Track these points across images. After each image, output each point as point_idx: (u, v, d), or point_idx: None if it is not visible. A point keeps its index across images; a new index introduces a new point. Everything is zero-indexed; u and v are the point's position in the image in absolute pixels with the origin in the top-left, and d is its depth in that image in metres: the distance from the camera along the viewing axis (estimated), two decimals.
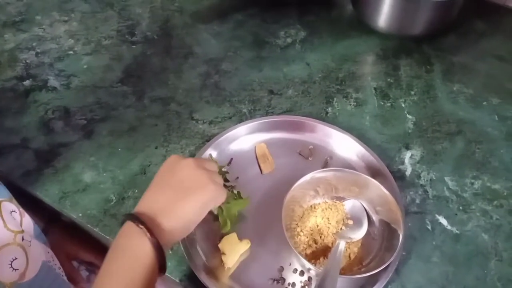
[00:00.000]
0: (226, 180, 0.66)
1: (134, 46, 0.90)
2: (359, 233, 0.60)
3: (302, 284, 0.58)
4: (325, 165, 0.69)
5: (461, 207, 0.66)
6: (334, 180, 0.63)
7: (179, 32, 0.94)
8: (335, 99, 0.80)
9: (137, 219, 0.47)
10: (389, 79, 0.83)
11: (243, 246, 0.60)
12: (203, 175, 0.52)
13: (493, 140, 0.74)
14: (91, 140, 0.74)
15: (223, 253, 0.59)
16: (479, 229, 0.63)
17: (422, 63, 0.86)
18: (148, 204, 0.51)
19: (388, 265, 0.55)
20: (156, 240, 0.46)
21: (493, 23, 0.95)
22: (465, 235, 0.63)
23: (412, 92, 0.81)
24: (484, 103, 0.79)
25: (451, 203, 0.66)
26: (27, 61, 0.87)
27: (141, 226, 0.46)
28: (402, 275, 0.59)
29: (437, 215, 0.65)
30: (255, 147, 0.71)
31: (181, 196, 0.50)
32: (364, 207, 0.63)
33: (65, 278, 0.65)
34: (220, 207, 0.59)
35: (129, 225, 0.48)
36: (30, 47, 0.90)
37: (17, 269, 0.54)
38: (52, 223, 0.78)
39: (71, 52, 0.89)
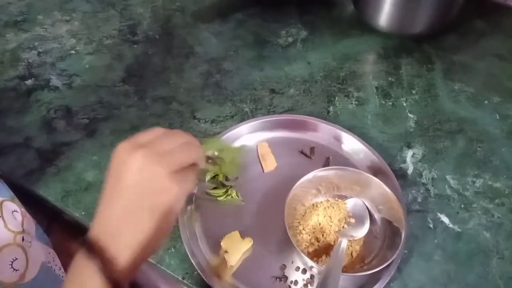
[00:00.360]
0: (227, 179, 0.66)
1: (135, 46, 0.90)
2: (361, 232, 0.60)
3: (305, 282, 0.58)
4: (327, 163, 0.69)
5: (462, 206, 0.66)
6: (336, 179, 0.63)
7: (181, 32, 0.94)
8: (336, 98, 0.80)
9: (90, 246, 0.39)
10: (390, 78, 0.84)
11: (246, 244, 0.60)
12: (158, 173, 0.39)
13: (494, 138, 0.74)
14: (93, 139, 0.74)
15: (226, 251, 0.59)
16: (480, 227, 0.64)
17: (423, 62, 0.86)
18: (100, 223, 0.41)
19: (390, 263, 0.55)
20: (109, 276, 0.38)
21: (494, 22, 0.95)
22: (467, 233, 0.63)
23: (413, 91, 0.81)
24: (485, 102, 0.80)
25: (453, 202, 0.66)
26: (29, 60, 0.87)
27: (93, 258, 0.38)
28: (404, 274, 0.59)
29: (438, 214, 0.65)
30: (257, 146, 0.71)
31: (133, 210, 0.39)
32: (366, 206, 0.63)
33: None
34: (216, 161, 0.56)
35: (82, 254, 0.39)
36: (32, 47, 0.90)
37: (18, 270, 0.54)
38: (55, 223, 0.78)
39: (73, 51, 0.90)
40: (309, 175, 0.60)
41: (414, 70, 0.85)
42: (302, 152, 0.71)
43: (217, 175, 0.66)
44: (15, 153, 0.72)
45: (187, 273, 0.59)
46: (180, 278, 0.59)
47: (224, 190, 0.64)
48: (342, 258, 0.55)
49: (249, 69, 0.86)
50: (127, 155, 0.40)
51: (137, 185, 0.39)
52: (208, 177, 0.66)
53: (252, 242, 0.60)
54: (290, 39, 0.92)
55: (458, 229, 0.63)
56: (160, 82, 0.83)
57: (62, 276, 0.64)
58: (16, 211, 0.60)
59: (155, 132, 0.44)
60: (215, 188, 0.66)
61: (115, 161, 0.41)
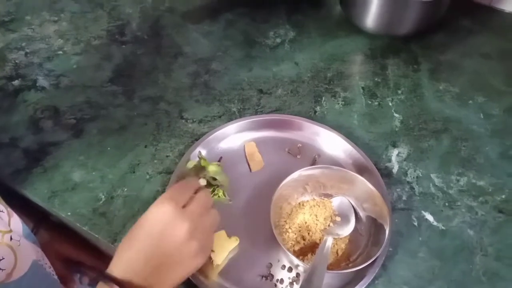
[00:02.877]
0: (214, 178, 0.66)
1: (124, 46, 0.90)
2: (347, 230, 0.61)
3: (290, 280, 0.58)
4: (314, 162, 0.70)
5: (447, 204, 0.67)
6: (322, 178, 0.63)
7: (169, 32, 0.94)
8: (323, 98, 0.81)
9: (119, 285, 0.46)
10: (376, 79, 0.84)
11: (232, 243, 0.60)
12: (193, 248, 0.49)
13: (479, 137, 0.75)
14: (81, 139, 0.74)
15: (212, 250, 0.59)
16: (464, 225, 0.64)
17: (409, 63, 0.87)
18: (127, 266, 0.48)
19: (375, 260, 0.56)
20: None
21: (479, 22, 0.97)
22: (451, 230, 0.64)
23: (399, 91, 0.82)
24: (470, 101, 0.81)
25: (437, 200, 0.67)
26: (16, 61, 0.87)
27: None
28: (389, 271, 0.59)
29: (423, 212, 0.66)
30: (244, 145, 0.72)
31: (165, 270, 0.48)
32: (351, 204, 0.63)
33: (55, 277, 0.65)
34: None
35: None
36: (19, 47, 0.90)
37: (4, 269, 0.54)
38: (42, 223, 0.78)
39: (61, 52, 0.89)
40: (295, 174, 0.61)
41: (401, 70, 0.86)
42: (289, 152, 0.71)
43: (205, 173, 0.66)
44: (2, 153, 0.71)
45: None
46: None
47: (211, 189, 0.65)
48: (327, 256, 0.56)
49: (237, 69, 0.86)
50: (176, 220, 0.49)
51: (177, 253, 0.48)
52: (202, 180, 0.66)
53: (238, 241, 0.61)
54: (278, 40, 0.93)
55: (443, 227, 0.64)
56: (149, 82, 0.83)
57: (53, 274, 0.64)
58: (2, 211, 0.59)
59: (189, 190, 0.53)
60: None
61: (163, 217, 0.49)
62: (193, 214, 0.50)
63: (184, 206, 0.50)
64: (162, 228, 0.48)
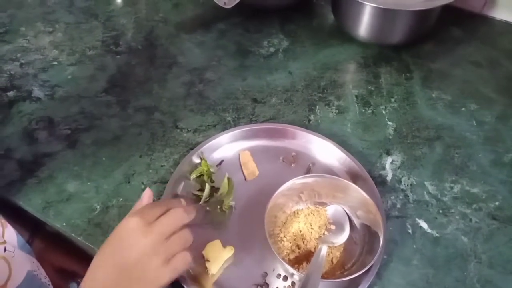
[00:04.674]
0: (211, 181, 0.67)
1: (118, 56, 0.91)
2: (341, 238, 0.61)
3: None
4: (308, 171, 0.70)
5: (440, 211, 0.67)
6: (316, 186, 0.64)
7: (163, 42, 0.95)
8: (317, 106, 0.81)
9: None
10: (369, 87, 0.85)
11: (227, 253, 0.60)
12: (155, 264, 0.48)
13: (471, 144, 0.76)
14: (75, 150, 0.74)
15: (207, 260, 0.59)
16: (458, 232, 0.65)
17: (401, 71, 0.88)
18: (93, 279, 0.48)
19: (370, 268, 0.56)
20: None
21: (470, 30, 0.98)
22: (445, 238, 0.64)
23: (392, 99, 0.83)
24: (462, 108, 0.81)
25: (431, 207, 0.67)
26: (11, 72, 0.87)
27: None
28: (384, 278, 0.60)
29: (417, 219, 0.66)
30: (239, 154, 0.72)
31: (127, 283, 0.47)
32: (346, 212, 0.64)
33: (51, 287, 0.65)
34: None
35: None
36: (14, 58, 0.90)
37: None
38: (37, 234, 0.77)
39: (56, 62, 0.90)
40: (289, 183, 0.61)
41: (393, 78, 0.87)
42: (283, 160, 0.72)
43: (202, 175, 0.67)
44: None
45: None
46: None
47: (209, 192, 0.65)
48: (321, 265, 0.56)
49: (232, 78, 0.87)
50: (138, 232, 0.48)
51: (139, 268, 0.47)
52: (193, 176, 0.67)
53: (233, 251, 0.61)
54: (272, 49, 0.93)
55: (437, 234, 0.64)
56: (143, 92, 0.83)
57: (49, 284, 0.64)
58: None
59: (162, 207, 0.51)
60: (200, 189, 0.66)
61: (125, 231, 0.48)
62: (160, 229, 0.49)
63: None
64: (125, 240, 0.48)
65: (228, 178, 0.64)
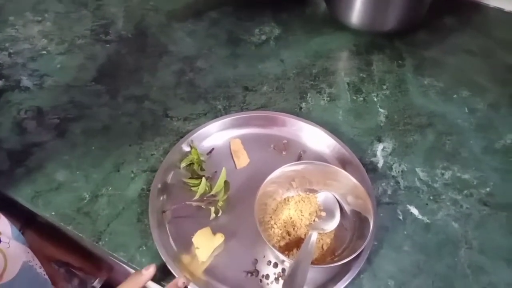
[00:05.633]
0: (202, 169, 0.66)
1: (108, 45, 0.90)
2: (332, 225, 0.61)
3: (276, 276, 0.58)
4: (299, 158, 0.70)
5: (431, 197, 0.67)
6: (306, 173, 0.63)
7: (154, 31, 0.94)
8: (308, 94, 0.81)
9: None
10: (361, 74, 0.85)
11: (217, 240, 0.60)
12: None
13: (463, 131, 0.75)
14: (65, 139, 0.73)
15: (197, 247, 0.59)
16: (449, 218, 0.65)
17: (394, 58, 0.88)
18: None
19: (360, 254, 0.56)
20: None
21: (463, 18, 0.97)
22: (436, 224, 0.64)
23: (384, 87, 0.82)
24: (454, 96, 0.81)
25: (422, 194, 0.67)
26: (0, 61, 0.86)
27: None
28: (374, 265, 0.60)
29: (408, 205, 0.66)
30: (229, 142, 0.72)
31: None
32: (336, 199, 0.63)
33: (46, 277, 0.64)
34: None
35: None
36: (2, 48, 0.89)
37: None
38: (28, 225, 0.77)
39: (45, 52, 0.89)
40: (278, 171, 0.61)
41: (385, 66, 0.86)
42: (274, 148, 0.71)
43: (192, 163, 0.67)
44: None
45: (158, 270, 0.58)
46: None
47: (198, 181, 0.64)
48: (311, 251, 0.56)
49: (223, 67, 0.86)
50: None
51: None
52: (183, 164, 0.67)
53: (223, 238, 0.60)
54: (263, 37, 0.92)
55: (427, 220, 0.64)
56: (133, 81, 0.83)
57: (44, 275, 0.64)
58: None
59: None
60: (190, 178, 0.66)
61: None
62: None
63: None
64: None
65: (225, 181, 0.63)
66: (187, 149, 0.69)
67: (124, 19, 0.96)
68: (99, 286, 0.79)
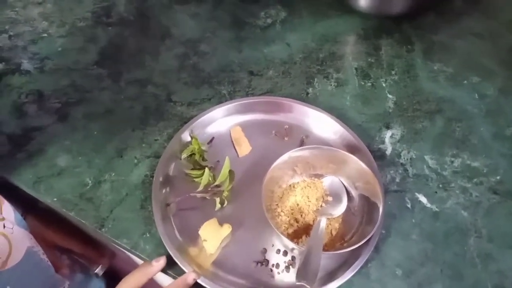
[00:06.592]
0: (203, 159, 0.65)
1: (110, 28, 0.88)
2: (339, 209, 0.60)
3: (286, 264, 0.57)
4: (301, 144, 0.68)
5: (440, 185, 0.66)
6: (311, 158, 0.62)
7: (157, 13, 0.92)
8: (315, 79, 0.79)
9: None
10: (370, 59, 0.83)
11: (225, 231, 0.59)
12: None
13: (473, 118, 0.74)
14: (66, 124, 0.72)
15: (204, 240, 0.58)
16: (458, 206, 0.64)
17: (402, 43, 0.86)
18: None
19: (369, 240, 0.55)
20: None
21: (471, 1, 0.95)
22: (445, 212, 0.63)
23: (393, 72, 0.80)
24: (464, 81, 0.79)
25: (431, 182, 0.66)
26: (0, 44, 0.84)
27: None
28: (382, 253, 0.59)
29: (416, 194, 0.64)
30: (230, 131, 0.70)
31: None
32: (342, 183, 0.62)
33: (49, 263, 0.64)
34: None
35: None
36: (2, 30, 0.87)
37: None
38: (30, 210, 0.76)
39: (45, 34, 0.87)
40: (284, 156, 0.59)
41: (394, 50, 0.84)
42: (276, 134, 0.70)
43: (194, 154, 0.65)
44: None
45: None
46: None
47: (200, 172, 0.63)
48: (322, 237, 0.55)
49: (227, 50, 0.84)
50: None
51: None
52: (184, 155, 0.65)
53: (231, 229, 0.59)
54: (269, 20, 0.90)
55: (436, 209, 0.63)
56: (135, 64, 0.81)
57: (47, 261, 0.63)
58: None
59: None
60: (192, 169, 0.64)
61: None
62: None
63: None
64: None
65: (230, 171, 0.61)
66: (188, 138, 0.67)
67: (126, 1, 0.94)
68: (101, 273, 0.79)
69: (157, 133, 0.70)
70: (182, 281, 0.54)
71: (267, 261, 0.58)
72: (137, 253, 0.58)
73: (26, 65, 0.81)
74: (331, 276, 0.56)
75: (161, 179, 0.63)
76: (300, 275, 0.50)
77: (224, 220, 0.60)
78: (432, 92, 0.77)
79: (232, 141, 0.69)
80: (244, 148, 0.68)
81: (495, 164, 0.68)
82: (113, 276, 0.81)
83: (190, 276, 0.54)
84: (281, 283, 0.56)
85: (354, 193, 0.62)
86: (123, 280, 0.56)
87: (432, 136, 0.71)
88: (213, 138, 0.69)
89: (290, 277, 0.57)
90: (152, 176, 0.64)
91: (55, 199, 0.63)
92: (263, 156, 0.66)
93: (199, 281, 0.54)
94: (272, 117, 0.72)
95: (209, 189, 0.62)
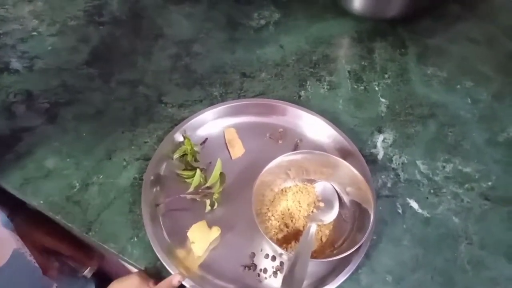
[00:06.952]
0: (196, 160, 0.64)
1: (101, 27, 0.87)
2: (331, 215, 0.59)
3: (274, 269, 0.57)
4: (296, 148, 0.68)
5: (432, 191, 0.65)
6: (304, 163, 0.61)
7: (150, 13, 0.90)
8: (308, 82, 0.78)
9: None
10: (363, 62, 0.82)
11: (213, 234, 0.58)
12: None
13: (466, 123, 0.74)
14: (55, 125, 0.71)
15: (192, 242, 0.57)
16: (450, 212, 0.63)
17: (396, 46, 0.85)
18: None
19: (360, 246, 0.55)
20: None
21: (468, 6, 0.94)
22: (436, 218, 0.62)
23: (386, 75, 0.80)
24: (458, 86, 0.79)
25: (422, 187, 0.66)
26: None
27: None
28: (373, 259, 0.58)
29: (408, 199, 0.64)
30: (224, 132, 0.69)
31: None
32: (335, 189, 0.62)
33: (36, 265, 0.63)
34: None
35: None
36: None
37: None
38: (17, 211, 0.75)
39: (35, 33, 0.85)
40: (276, 160, 0.59)
41: (388, 54, 0.84)
42: (270, 137, 0.69)
43: (186, 154, 0.65)
44: None
45: (149, 263, 0.57)
46: (142, 269, 0.57)
47: (192, 173, 0.62)
48: (311, 243, 0.54)
49: (220, 52, 0.83)
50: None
51: None
52: (176, 155, 0.65)
53: (219, 232, 0.59)
54: (262, 22, 0.90)
55: (427, 214, 0.63)
56: (127, 65, 0.80)
57: (34, 262, 0.62)
58: None
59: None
60: (184, 169, 0.64)
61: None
62: None
63: None
64: None
65: (221, 173, 0.61)
66: (180, 139, 0.67)
67: (119, 0, 0.93)
68: (90, 275, 0.78)
69: (147, 135, 0.69)
70: (167, 283, 0.53)
71: (255, 266, 0.57)
72: (125, 258, 0.57)
73: (15, 64, 0.80)
74: (321, 282, 0.55)
75: (152, 178, 0.62)
76: (285, 283, 0.49)
77: (213, 222, 0.59)
78: (425, 96, 0.77)
79: (225, 143, 0.68)
80: (238, 150, 0.67)
81: (487, 170, 0.68)
82: (103, 278, 0.80)
83: (175, 278, 0.53)
84: None
85: (346, 198, 0.61)
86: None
87: (424, 141, 0.71)
88: (206, 139, 0.69)
89: (277, 282, 0.56)
90: (141, 179, 0.63)
91: (42, 202, 0.62)
92: (256, 159, 0.65)
93: (184, 283, 0.54)
94: (265, 119, 0.71)
95: (200, 190, 0.61)
